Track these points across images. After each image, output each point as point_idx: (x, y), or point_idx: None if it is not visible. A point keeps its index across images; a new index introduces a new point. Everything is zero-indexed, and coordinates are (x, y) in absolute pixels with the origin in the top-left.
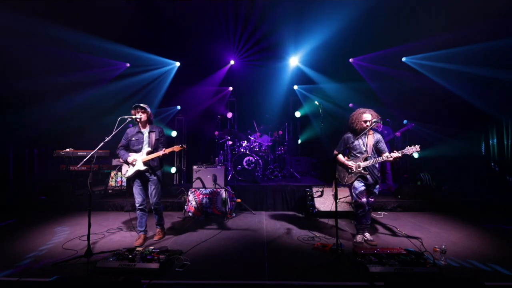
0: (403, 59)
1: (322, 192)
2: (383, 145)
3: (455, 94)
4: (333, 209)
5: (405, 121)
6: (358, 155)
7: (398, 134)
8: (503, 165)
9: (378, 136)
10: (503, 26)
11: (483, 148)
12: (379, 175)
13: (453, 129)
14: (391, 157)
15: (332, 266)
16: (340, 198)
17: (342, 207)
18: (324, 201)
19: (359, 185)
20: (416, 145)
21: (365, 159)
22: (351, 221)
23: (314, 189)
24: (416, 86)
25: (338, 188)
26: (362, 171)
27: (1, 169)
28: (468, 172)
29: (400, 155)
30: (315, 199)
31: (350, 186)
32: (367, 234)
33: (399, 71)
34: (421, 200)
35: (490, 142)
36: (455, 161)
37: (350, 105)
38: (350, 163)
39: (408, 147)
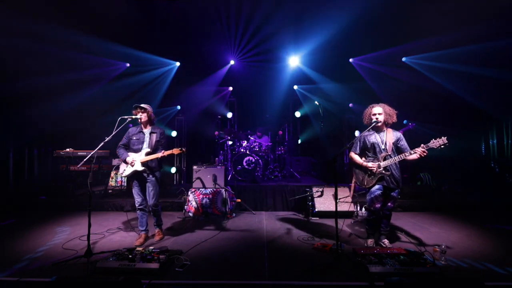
0: (403, 59)
1: (322, 192)
2: (405, 144)
3: (455, 94)
4: (333, 209)
5: (405, 121)
6: (377, 155)
7: (401, 133)
8: (503, 165)
9: (398, 134)
10: (503, 26)
11: (483, 148)
12: (399, 177)
13: (453, 129)
14: (414, 153)
15: (332, 266)
16: (340, 198)
17: (342, 207)
18: (324, 201)
19: (376, 189)
20: (443, 137)
21: (385, 158)
22: (351, 221)
23: (314, 189)
24: (416, 86)
25: (338, 188)
26: (383, 171)
27: (1, 169)
28: (468, 172)
29: (425, 149)
30: (315, 199)
31: (370, 189)
32: (386, 241)
33: (399, 71)
34: (421, 200)
35: (490, 142)
36: (455, 161)
37: (350, 105)
38: (370, 164)
39: (434, 140)
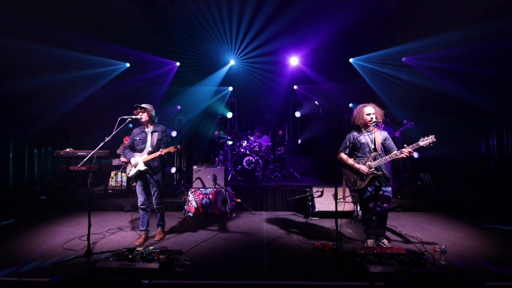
0: (403, 59)
1: (322, 192)
2: (391, 143)
3: (455, 94)
4: (333, 209)
5: (405, 121)
6: (366, 154)
7: (397, 134)
8: (503, 165)
9: (385, 133)
10: (503, 26)
11: (483, 148)
12: (388, 175)
13: (453, 129)
14: (402, 153)
15: (332, 266)
16: (340, 198)
17: (343, 207)
18: (324, 201)
19: (368, 189)
20: (431, 136)
21: (375, 158)
22: (351, 221)
23: (314, 189)
24: (416, 86)
25: (338, 188)
26: (375, 171)
27: (1, 169)
28: (468, 172)
29: (411, 149)
30: (315, 199)
31: (362, 190)
32: (385, 241)
33: (399, 71)
34: (421, 200)
35: (490, 142)
36: (455, 161)
37: (350, 105)
38: (361, 167)
39: (422, 138)
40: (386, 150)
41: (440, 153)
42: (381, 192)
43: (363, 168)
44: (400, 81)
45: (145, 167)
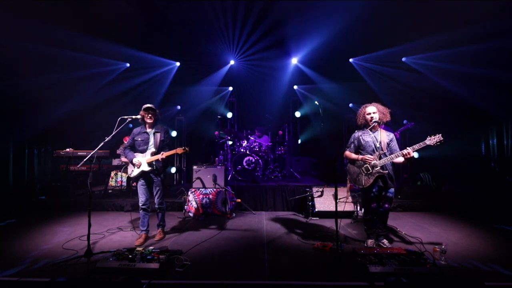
0: (403, 59)
1: (322, 192)
2: (395, 145)
3: (455, 94)
4: (333, 209)
5: (405, 121)
6: (371, 153)
7: (397, 134)
8: (503, 165)
9: (391, 134)
10: (503, 26)
11: (483, 148)
12: (393, 175)
13: (453, 129)
14: (410, 150)
15: (332, 266)
16: (340, 198)
17: (343, 207)
18: (324, 201)
19: (371, 189)
20: (438, 135)
21: (380, 157)
22: (352, 221)
23: (314, 189)
24: (416, 86)
25: (338, 188)
26: (381, 170)
27: (1, 169)
28: (468, 172)
29: (418, 147)
30: (315, 199)
31: (367, 189)
32: (385, 241)
33: (399, 71)
34: (421, 200)
35: (490, 142)
36: (455, 161)
37: (350, 105)
38: (368, 156)
39: (429, 137)
40: (391, 151)
41: (440, 153)
42: (383, 193)
43: (368, 156)
44: (400, 81)
45: (149, 168)
